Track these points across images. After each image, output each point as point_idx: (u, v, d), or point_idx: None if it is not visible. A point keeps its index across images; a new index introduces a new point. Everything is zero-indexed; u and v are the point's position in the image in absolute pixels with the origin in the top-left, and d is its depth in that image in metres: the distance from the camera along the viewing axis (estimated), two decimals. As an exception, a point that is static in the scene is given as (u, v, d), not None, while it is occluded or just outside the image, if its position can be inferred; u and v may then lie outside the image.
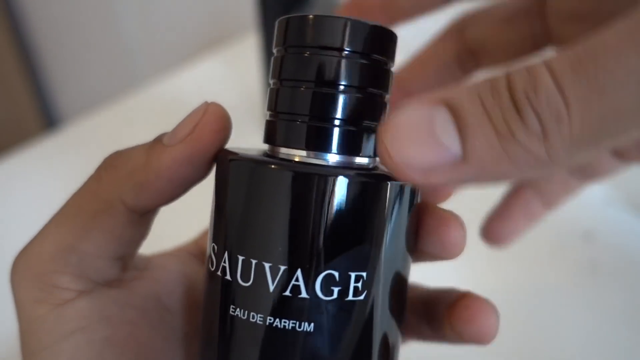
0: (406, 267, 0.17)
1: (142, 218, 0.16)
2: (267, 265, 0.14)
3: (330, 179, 0.14)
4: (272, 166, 0.14)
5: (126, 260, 0.17)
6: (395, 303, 0.16)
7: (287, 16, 0.16)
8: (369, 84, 0.15)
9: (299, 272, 0.14)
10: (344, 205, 0.14)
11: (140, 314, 0.16)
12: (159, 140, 0.16)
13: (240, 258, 0.14)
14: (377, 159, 0.16)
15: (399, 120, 0.12)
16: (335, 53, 0.15)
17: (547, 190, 0.24)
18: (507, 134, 0.11)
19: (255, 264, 0.14)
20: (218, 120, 0.16)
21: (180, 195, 0.16)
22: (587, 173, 0.23)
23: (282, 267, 0.14)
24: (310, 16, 0.15)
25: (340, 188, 0.14)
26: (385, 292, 0.15)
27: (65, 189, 0.19)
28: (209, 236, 0.16)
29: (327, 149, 0.15)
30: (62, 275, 0.15)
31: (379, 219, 0.15)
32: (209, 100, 0.17)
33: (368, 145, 0.16)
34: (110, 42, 0.91)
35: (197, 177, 0.16)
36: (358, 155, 0.16)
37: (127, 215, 0.16)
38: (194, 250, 0.21)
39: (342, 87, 0.15)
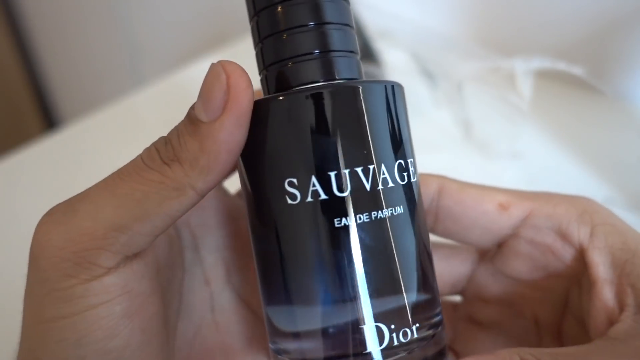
0: None
1: (200, 199, 0.17)
2: (359, 169, 0.16)
3: (373, 85, 0.17)
4: (323, 90, 0.17)
5: (162, 233, 0.17)
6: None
7: None
8: (333, 17, 0.18)
9: (383, 167, 0.17)
10: (386, 107, 0.17)
11: (152, 285, 0.17)
12: (195, 119, 0.16)
13: (332, 174, 0.16)
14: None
15: None
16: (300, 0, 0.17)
17: None
18: None
19: (349, 172, 0.16)
20: (243, 76, 0.16)
21: (236, 160, 0.17)
22: None
23: (371, 166, 0.17)
24: None
25: (378, 93, 0.17)
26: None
27: (66, 189, 0.19)
28: (271, 177, 0.17)
29: (330, 76, 0.18)
30: (103, 253, 0.15)
31: (403, 115, 0.18)
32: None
33: (352, 66, 0.18)
34: (110, 42, 0.91)
35: (245, 135, 0.17)
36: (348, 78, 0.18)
37: (194, 199, 0.16)
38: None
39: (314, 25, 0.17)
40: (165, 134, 0.17)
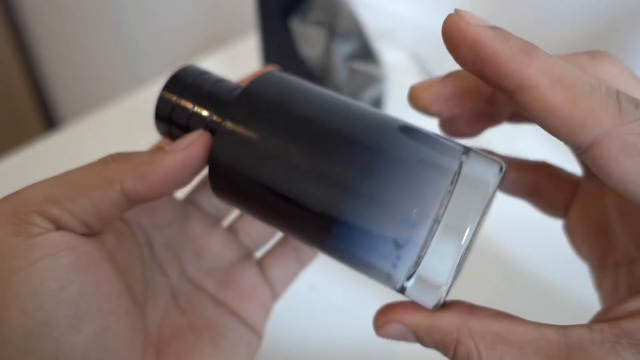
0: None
1: (127, 205, 0.20)
2: None
3: None
4: None
5: (92, 230, 0.20)
6: None
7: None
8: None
9: None
10: None
11: (97, 248, 0.20)
12: (161, 147, 0.20)
13: None
14: None
15: None
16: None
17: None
18: None
19: None
20: (208, 144, 0.21)
21: (164, 195, 0.20)
22: None
23: None
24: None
25: None
26: None
27: (65, 189, 0.19)
28: None
29: None
30: (39, 216, 0.18)
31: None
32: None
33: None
34: (110, 42, 0.91)
35: (182, 183, 0.21)
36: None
37: (118, 196, 0.19)
38: None
39: None
40: (164, 134, 0.18)
